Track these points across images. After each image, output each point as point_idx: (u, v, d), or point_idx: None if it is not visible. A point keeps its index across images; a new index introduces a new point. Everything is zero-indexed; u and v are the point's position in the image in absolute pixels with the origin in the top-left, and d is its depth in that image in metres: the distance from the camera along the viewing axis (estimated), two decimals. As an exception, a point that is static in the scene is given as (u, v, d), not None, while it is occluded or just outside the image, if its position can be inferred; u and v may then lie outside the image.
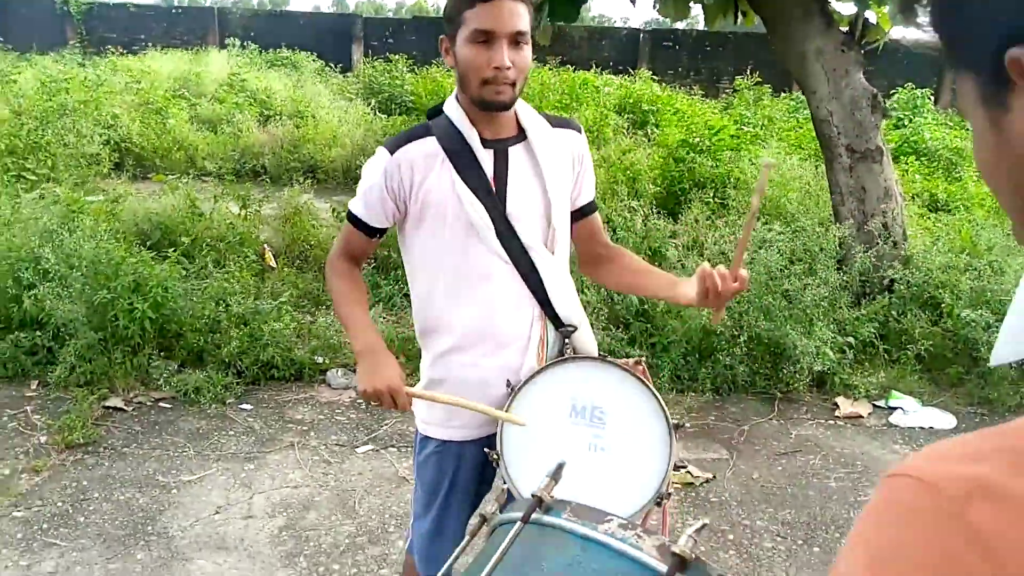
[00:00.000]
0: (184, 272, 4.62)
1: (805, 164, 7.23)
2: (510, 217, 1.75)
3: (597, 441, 1.77)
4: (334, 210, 6.20)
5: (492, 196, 1.74)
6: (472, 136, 1.73)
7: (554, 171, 1.80)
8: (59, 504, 3.10)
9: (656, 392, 1.78)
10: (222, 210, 5.70)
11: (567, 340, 1.87)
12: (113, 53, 15.28)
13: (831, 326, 4.45)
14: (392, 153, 1.74)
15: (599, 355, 1.89)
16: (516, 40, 1.63)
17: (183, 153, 9.12)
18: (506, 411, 1.76)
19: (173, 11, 18.72)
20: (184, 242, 5.18)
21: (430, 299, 1.82)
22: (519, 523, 1.19)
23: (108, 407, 3.88)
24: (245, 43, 16.42)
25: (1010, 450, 0.45)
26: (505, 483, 1.71)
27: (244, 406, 4.01)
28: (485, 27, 1.60)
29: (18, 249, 4.24)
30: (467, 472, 1.89)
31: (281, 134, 9.52)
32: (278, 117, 10.61)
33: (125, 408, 3.89)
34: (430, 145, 1.75)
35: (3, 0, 16.99)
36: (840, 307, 4.61)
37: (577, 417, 1.79)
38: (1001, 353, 0.61)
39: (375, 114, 10.88)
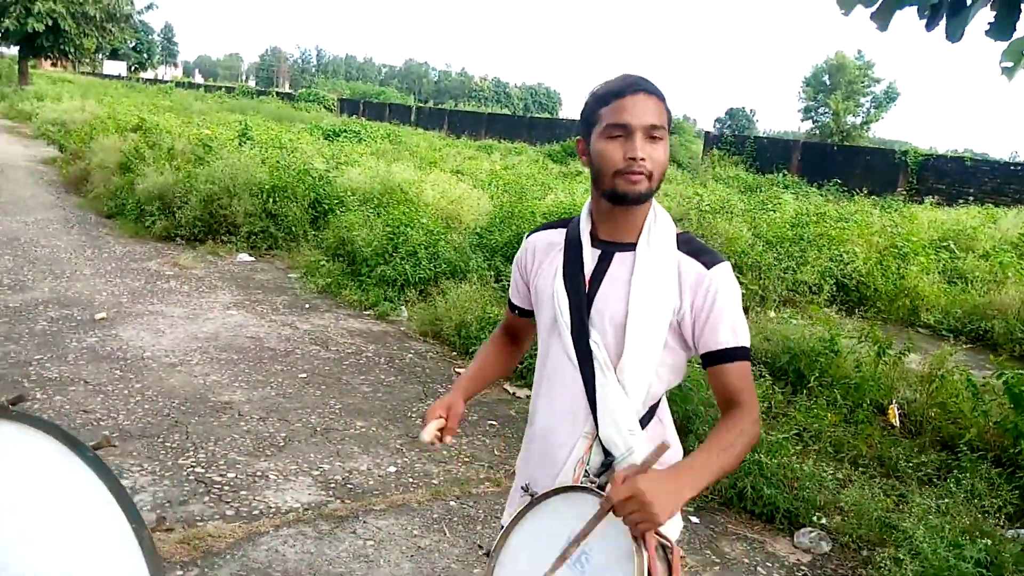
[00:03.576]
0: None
1: None
2: (590, 320, 1.68)
3: (567, 582, 1.54)
4: (974, 383, 5.28)
5: (580, 295, 1.70)
6: (584, 232, 1.74)
7: (645, 290, 1.64)
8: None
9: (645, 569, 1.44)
10: (860, 349, 5.79)
11: (605, 468, 1.67)
12: (932, 203, 15.64)
13: None
14: (529, 236, 1.88)
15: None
16: (651, 134, 1.61)
17: (907, 301, 8.90)
18: (514, 521, 1.69)
19: (1011, 167, 17.77)
20: (813, 375, 5.50)
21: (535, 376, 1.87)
22: None
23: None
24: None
25: None
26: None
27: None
28: (620, 121, 1.61)
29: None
30: None
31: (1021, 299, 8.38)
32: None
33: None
34: (557, 235, 1.81)
35: (851, 150, 19.04)
36: None
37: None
38: None
39: None
